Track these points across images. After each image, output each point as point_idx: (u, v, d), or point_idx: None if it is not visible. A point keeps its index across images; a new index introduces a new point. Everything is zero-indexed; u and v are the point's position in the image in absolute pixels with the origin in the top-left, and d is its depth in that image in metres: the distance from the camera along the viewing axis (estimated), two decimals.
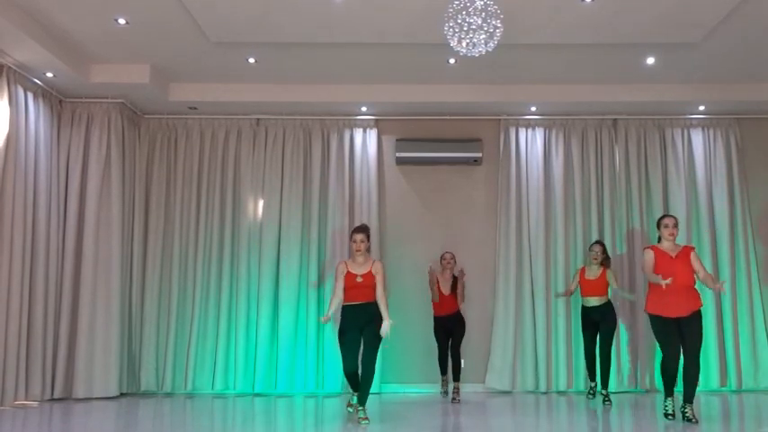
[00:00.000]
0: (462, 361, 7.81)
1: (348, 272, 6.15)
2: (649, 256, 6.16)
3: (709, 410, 6.59)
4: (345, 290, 6.13)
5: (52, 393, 7.25)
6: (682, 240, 7.94)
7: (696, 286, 6.07)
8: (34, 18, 6.18)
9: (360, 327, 6.06)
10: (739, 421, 6.06)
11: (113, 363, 7.39)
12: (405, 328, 8.01)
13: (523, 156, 8.31)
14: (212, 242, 8.09)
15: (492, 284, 8.15)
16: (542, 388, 7.88)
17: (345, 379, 6.13)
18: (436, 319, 7.57)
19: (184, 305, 8.02)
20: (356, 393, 6.06)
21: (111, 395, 7.35)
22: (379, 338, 6.02)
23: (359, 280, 6.09)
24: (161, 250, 8.09)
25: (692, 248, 6.20)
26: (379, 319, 6.02)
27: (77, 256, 7.49)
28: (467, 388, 7.92)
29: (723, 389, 7.92)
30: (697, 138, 8.37)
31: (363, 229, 6.33)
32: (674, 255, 6.07)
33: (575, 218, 8.17)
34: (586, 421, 6.06)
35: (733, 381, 7.90)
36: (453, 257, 7.61)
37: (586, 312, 7.35)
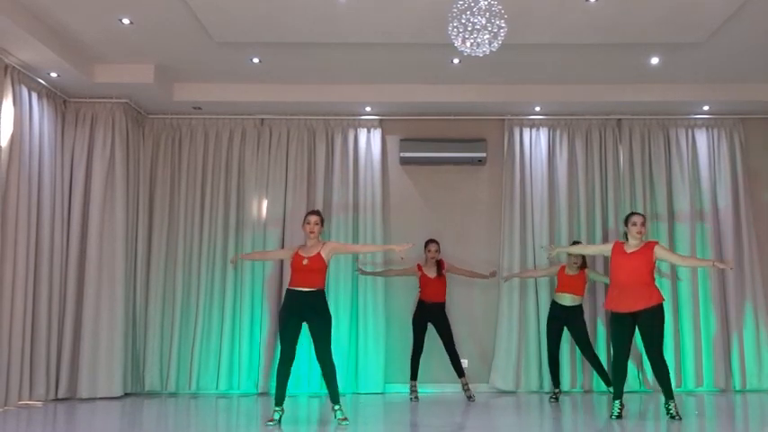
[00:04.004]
0: (465, 361, 7.80)
1: (296, 253, 5.92)
2: (607, 246, 6.36)
3: (713, 411, 6.58)
4: (292, 272, 5.89)
5: (56, 393, 7.25)
6: (685, 241, 7.98)
7: (657, 283, 6.09)
8: (38, 18, 6.18)
9: (302, 317, 5.80)
10: (743, 422, 6.05)
11: (117, 363, 7.39)
12: (407, 328, 7.98)
13: (528, 156, 8.30)
14: (216, 242, 8.09)
15: (496, 284, 8.13)
16: (546, 388, 7.86)
17: (276, 378, 5.84)
18: (419, 305, 7.48)
19: (188, 305, 8.02)
20: (279, 408, 5.76)
21: (115, 395, 7.35)
22: (328, 331, 5.81)
23: (305, 263, 5.81)
24: (165, 250, 8.09)
25: (655, 243, 6.16)
26: (325, 312, 5.83)
27: (81, 256, 7.49)
28: (470, 388, 7.91)
29: (727, 389, 7.90)
30: (701, 138, 8.35)
31: (318, 212, 6.16)
32: (629, 251, 6.06)
33: (579, 218, 8.16)
34: (590, 421, 6.05)
35: (737, 381, 7.89)
36: (438, 249, 7.57)
37: (555, 312, 7.31)
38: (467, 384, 7.40)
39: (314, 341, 5.86)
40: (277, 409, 5.79)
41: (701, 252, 8.08)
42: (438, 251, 7.57)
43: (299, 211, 8.04)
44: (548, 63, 7.31)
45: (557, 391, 7.34)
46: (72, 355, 7.36)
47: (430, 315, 7.45)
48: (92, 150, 7.64)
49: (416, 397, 7.37)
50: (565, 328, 7.32)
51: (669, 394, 5.94)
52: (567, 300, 7.24)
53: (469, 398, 7.33)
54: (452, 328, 7.49)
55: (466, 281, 7.89)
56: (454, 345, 7.43)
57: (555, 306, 7.34)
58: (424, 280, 7.52)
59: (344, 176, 8.22)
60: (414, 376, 7.46)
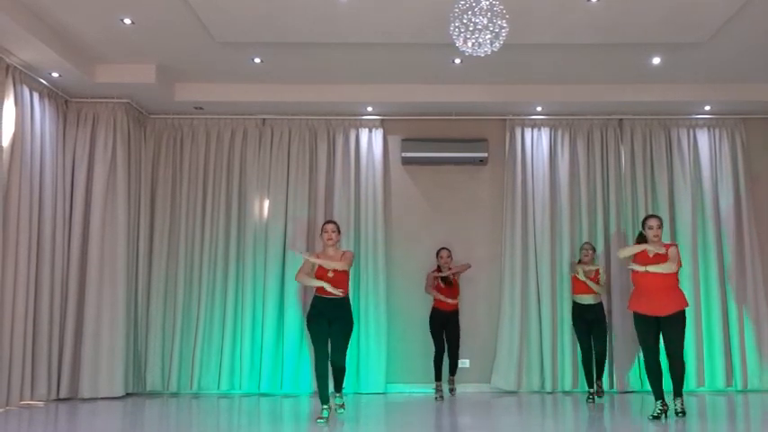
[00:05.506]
0: (467, 361, 7.84)
1: (320, 267, 6.14)
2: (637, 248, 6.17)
3: (714, 410, 6.57)
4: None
5: (58, 393, 7.26)
6: (687, 241, 7.97)
7: (680, 286, 6.14)
8: (40, 18, 6.19)
9: (328, 319, 6.06)
10: (745, 422, 6.05)
11: (119, 363, 7.40)
12: (409, 328, 8.02)
13: (529, 156, 8.29)
14: (218, 242, 8.09)
15: (498, 284, 8.14)
16: (548, 388, 7.87)
17: (315, 379, 6.09)
18: (434, 311, 7.60)
19: (190, 305, 8.02)
20: (326, 406, 5.92)
21: (116, 395, 7.36)
22: (347, 336, 6.11)
23: (330, 275, 6.08)
24: (167, 250, 8.09)
25: (673, 245, 6.16)
26: (349, 316, 6.14)
27: (83, 256, 7.49)
28: (472, 388, 7.92)
29: (729, 389, 7.90)
30: (703, 138, 8.35)
31: (333, 221, 6.38)
32: (651, 255, 6.07)
33: (580, 218, 8.15)
34: (592, 421, 6.05)
35: (738, 381, 7.88)
36: (450, 255, 7.66)
37: (580, 311, 7.44)
38: (452, 383, 7.62)
39: (331, 341, 6.09)
40: (325, 407, 5.92)
41: (702, 252, 8.08)
42: (450, 257, 7.65)
43: (300, 211, 8.06)
44: (549, 63, 7.30)
45: (593, 391, 7.35)
46: (73, 355, 7.37)
47: (444, 320, 7.58)
48: (93, 150, 7.64)
49: (441, 396, 7.49)
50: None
51: (679, 393, 6.06)
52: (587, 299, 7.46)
53: (450, 391, 7.56)
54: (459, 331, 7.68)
55: (467, 281, 7.89)
56: (458, 350, 7.62)
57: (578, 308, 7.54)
58: (436, 288, 7.63)
59: (346, 176, 8.22)
60: (438, 377, 7.58)
